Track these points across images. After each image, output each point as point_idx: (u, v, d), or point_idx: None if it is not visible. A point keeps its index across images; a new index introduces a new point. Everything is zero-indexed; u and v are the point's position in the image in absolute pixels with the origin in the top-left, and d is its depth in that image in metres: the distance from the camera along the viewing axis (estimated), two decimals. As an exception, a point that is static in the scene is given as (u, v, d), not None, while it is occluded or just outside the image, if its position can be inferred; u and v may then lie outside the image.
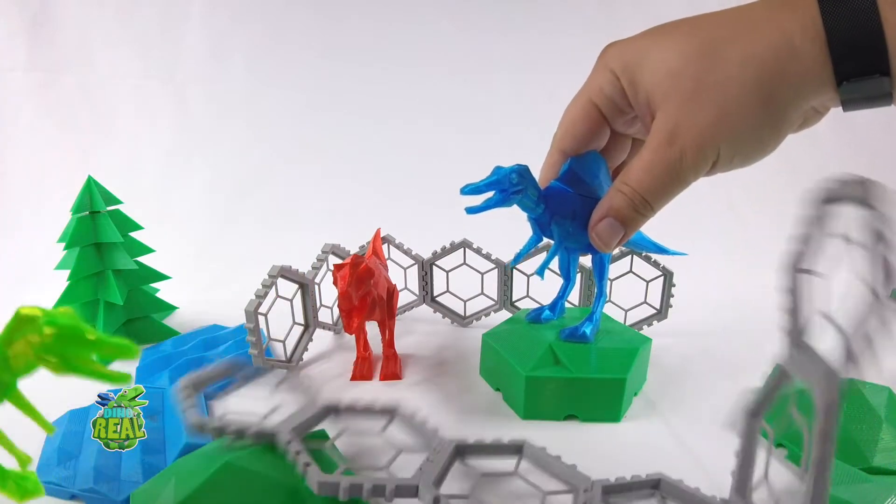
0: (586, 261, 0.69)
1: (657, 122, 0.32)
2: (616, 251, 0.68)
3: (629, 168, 0.34)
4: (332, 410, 0.47)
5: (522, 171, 0.43)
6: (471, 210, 0.43)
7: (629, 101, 0.35)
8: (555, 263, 0.70)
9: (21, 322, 0.30)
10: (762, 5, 0.30)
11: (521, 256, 0.54)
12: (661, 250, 0.63)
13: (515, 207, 0.47)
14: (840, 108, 0.31)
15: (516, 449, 0.46)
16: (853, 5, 0.27)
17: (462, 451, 0.46)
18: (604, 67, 0.35)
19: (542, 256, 0.71)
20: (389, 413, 0.48)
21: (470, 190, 0.42)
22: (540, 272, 0.52)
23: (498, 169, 0.43)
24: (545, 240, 0.51)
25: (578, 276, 0.70)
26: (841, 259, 0.27)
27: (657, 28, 0.34)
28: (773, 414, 0.35)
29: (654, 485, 0.40)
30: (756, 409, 0.34)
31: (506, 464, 0.45)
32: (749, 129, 0.31)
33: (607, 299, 0.56)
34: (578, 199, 0.44)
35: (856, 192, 0.25)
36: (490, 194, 0.43)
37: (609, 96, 0.36)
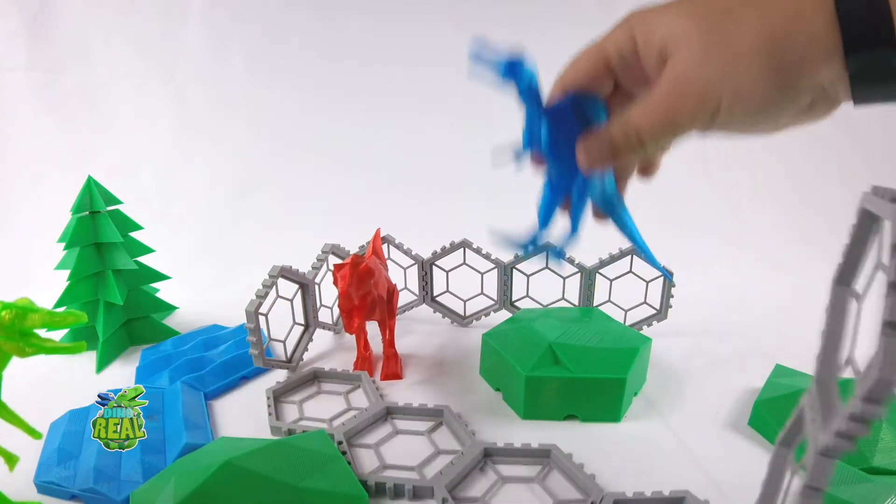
0: (586, 260, 0.69)
1: (667, 68, 0.34)
2: (605, 255, 0.68)
3: (633, 106, 0.36)
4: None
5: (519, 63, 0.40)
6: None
7: (639, 59, 0.36)
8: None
9: None
10: None
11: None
12: (651, 260, 0.60)
13: (519, 207, 0.46)
14: (851, 103, 0.31)
15: (544, 454, 0.47)
16: None
17: (490, 454, 0.47)
18: (623, 26, 0.37)
19: (541, 259, 0.71)
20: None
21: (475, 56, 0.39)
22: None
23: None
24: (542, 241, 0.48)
25: (578, 276, 0.70)
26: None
27: None
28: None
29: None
30: (787, 439, 0.33)
31: (530, 469, 0.46)
32: (754, 84, 0.31)
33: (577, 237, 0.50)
34: (569, 123, 0.43)
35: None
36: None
37: (620, 48, 0.37)
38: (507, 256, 0.71)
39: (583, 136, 0.41)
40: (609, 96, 0.42)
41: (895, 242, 0.22)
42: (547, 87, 0.44)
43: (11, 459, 0.41)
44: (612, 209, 0.51)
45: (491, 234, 0.50)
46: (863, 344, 0.23)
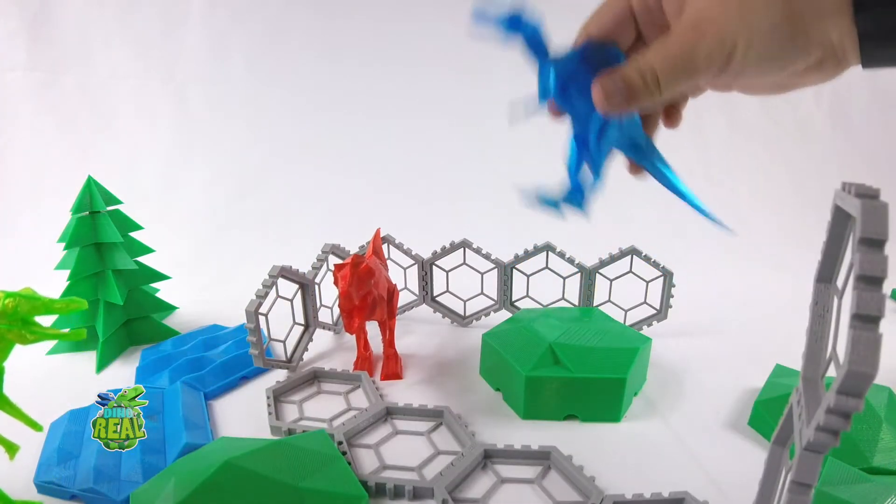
0: (586, 260, 0.69)
1: (685, 13, 0.34)
2: (605, 255, 0.68)
3: (649, 47, 0.36)
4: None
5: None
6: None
7: (661, 4, 0.37)
8: (555, 262, 0.70)
9: None
10: None
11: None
12: (696, 206, 0.54)
13: (520, 206, 0.46)
14: (859, 62, 0.32)
15: (544, 456, 0.47)
16: None
17: (490, 455, 0.47)
18: None
19: (541, 258, 0.71)
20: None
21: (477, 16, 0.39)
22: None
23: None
24: (545, 240, 0.48)
25: (578, 276, 0.70)
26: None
27: None
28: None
29: None
30: (781, 437, 0.33)
31: (530, 470, 0.46)
32: (770, 29, 0.32)
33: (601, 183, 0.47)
34: (585, 67, 0.43)
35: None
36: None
37: None
38: (507, 256, 0.71)
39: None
40: (630, 47, 0.42)
41: (862, 237, 0.23)
42: (535, 87, 0.43)
43: (12, 448, 0.41)
44: (643, 156, 0.48)
45: (520, 193, 0.49)
46: (844, 339, 0.23)
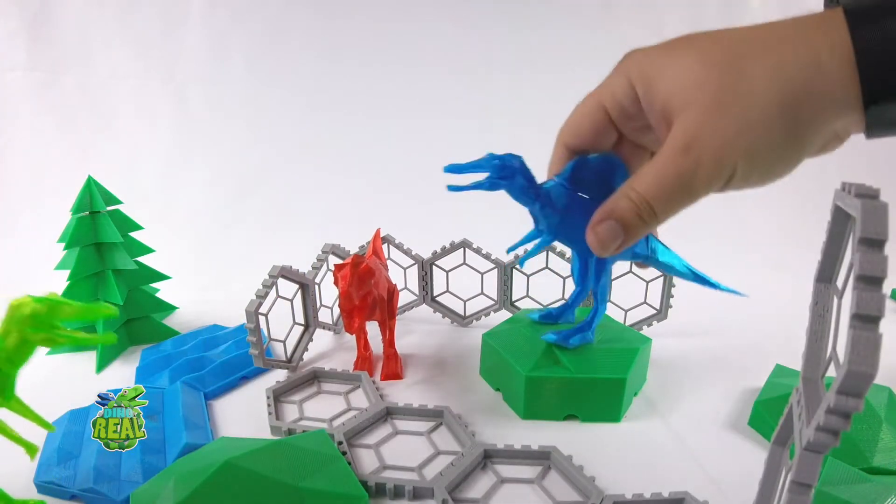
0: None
1: (674, 130, 0.31)
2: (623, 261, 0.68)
3: (639, 173, 0.33)
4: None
5: (513, 159, 0.42)
6: (453, 188, 0.42)
7: (641, 109, 0.34)
8: (555, 262, 0.70)
9: (13, 310, 0.36)
10: (790, 23, 0.30)
11: (518, 246, 0.51)
12: (708, 283, 0.57)
13: (520, 206, 0.47)
14: (863, 134, 0.30)
15: (544, 456, 0.47)
16: (885, 27, 0.26)
17: (490, 455, 0.47)
18: (620, 72, 0.34)
19: (541, 258, 0.71)
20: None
21: (453, 168, 0.41)
22: (521, 262, 0.51)
23: (489, 154, 0.43)
24: (554, 242, 0.50)
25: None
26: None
27: (681, 38, 0.32)
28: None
29: None
30: (781, 437, 0.33)
31: (529, 470, 0.46)
32: (770, 146, 0.30)
33: (605, 311, 0.54)
34: (576, 199, 0.43)
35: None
36: (477, 177, 0.43)
37: (620, 101, 0.35)
38: (507, 256, 0.71)
39: (586, 207, 0.40)
40: (614, 147, 0.40)
41: (862, 237, 0.23)
42: (535, 87, 0.43)
43: (32, 449, 0.40)
44: (648, 261, 0.52)
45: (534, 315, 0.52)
46: (844, 339, 0.23)
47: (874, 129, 0.29)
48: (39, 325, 0.36)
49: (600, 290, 0.52)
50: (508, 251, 0.52)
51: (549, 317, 0.60)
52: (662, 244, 0.53)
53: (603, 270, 0.52)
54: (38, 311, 0.36)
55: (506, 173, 0.42)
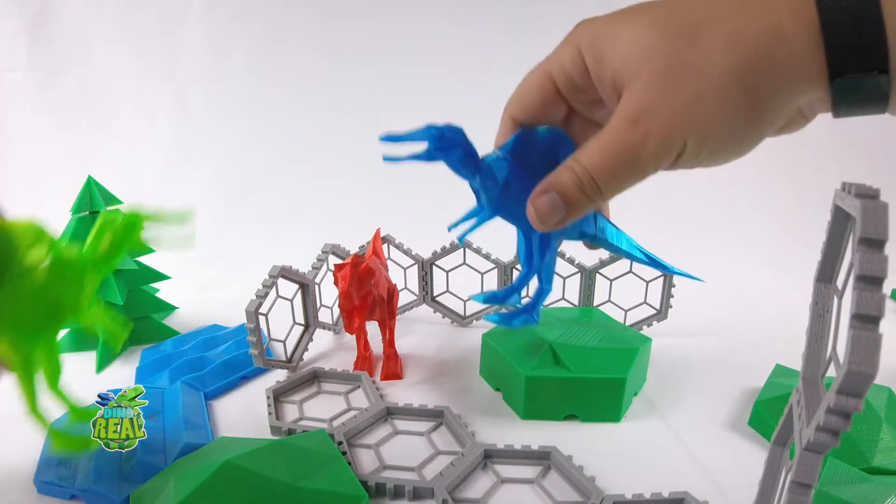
0: (587, 260, 0.69)
1: (623, 101, 0.29)
2: (605, 255, 0.68)
3: (585, 146, 0.31)
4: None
5: (452, 130, 0.39)
6: (388, 158, 0.39)
7: (591, 81, 0.32)
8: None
9: (104, 221, 0.39)
10: None
11: (458, 224, 0.48)
12: (662, 266, 0.58)
13: None
14: (829, 113, 0.28)
15: (544, 456, 0.47)
16: None
17: (490, 455, 0.47)
18: (570, 42, 0.32)
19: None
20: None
21: (389, 138, 0.39)
22: (460, 239, 0.49)
23: (429, 125, 0.39)
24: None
25: (578, 276, 0.70)
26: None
27: (635, 6, 0.30)
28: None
29: None
30: (781, 437, 0.33)
31: (529, 470, 0.46)
32: (725, 119, 0.27)
33: (550, 290, 0.50)
34: (519, 171, 0.40)
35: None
36: (416, 148, 0.39)
37: (568, 73, 0.32)
38: (506, 256, 0.71)
39: (527, 180, 0.37)
40: (564, 121, 0.38)
41: (862, 237, 0.23)
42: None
43: (79, 412, 0.40)
44: (596, 241, 0.49)
45: (472, 297, 0.50)
46: (844, 339, 0.23)
47: (841, 105, 0.27)
48: (129, 232, 0.39)
49: (545, 269, 0.48)
50: (450, 229, 0.49)
51: (495, 298, 0.56)
52: (613, 225, 0.50)
53: (547, 247, 0.47)
54: (131, 221, 0.39)
55: (443, 144, 0.39)
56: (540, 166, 0.39)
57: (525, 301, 0.48)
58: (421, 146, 0.40)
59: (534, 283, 0.49)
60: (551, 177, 0.33)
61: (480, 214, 0.45)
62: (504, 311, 0.50)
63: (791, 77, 0.26)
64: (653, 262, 0.53)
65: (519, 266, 0.71)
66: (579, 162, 0.31)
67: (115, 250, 0.39)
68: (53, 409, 0.40)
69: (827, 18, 0.25)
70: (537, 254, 0.47)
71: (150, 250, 0.71)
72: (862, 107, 0.27)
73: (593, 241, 0.48)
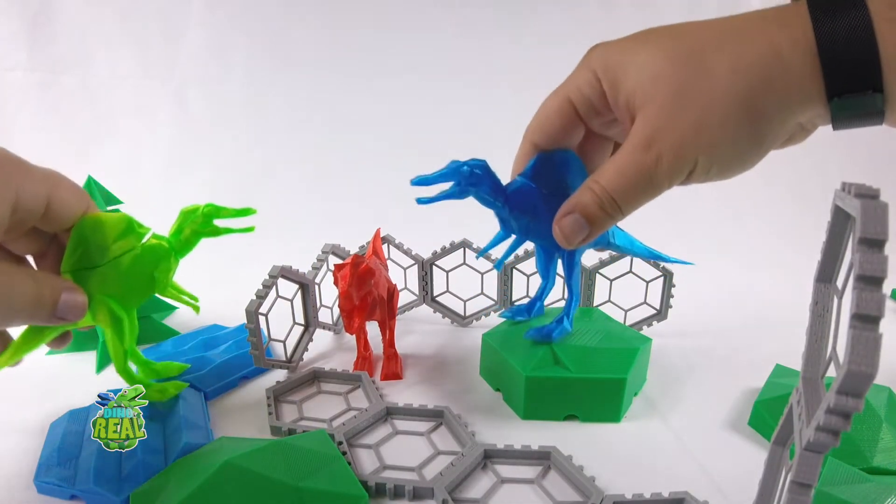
0: (587, 260, 0.69)
1: (636, 124, 0.31)
2: (605, 255, 0.68)
3: (603, 167, 0.33)
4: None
5: (478, 166, 0.42)
6: (421, 200, 0.43)
7: (608, 103, 0.34)
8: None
9: (185, 213, 0.47)
10: (753, 17, 0.29)
11: (486, 250, 0.54)
12: (659, 257, 0.62)
13: None
14: (829, 126, 0.30)
15: (544, 456, 0.47)
16: (847, 19, 0.26)
17: (490, 455, 0.47)
18: (586, 67, 0.34)
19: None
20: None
21: (420, 181, 0.43)
22: (497, 265, 0.53)
23: (453, 162, 0.43)
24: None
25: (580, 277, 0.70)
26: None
27: (644, 32, 0.33)
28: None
29: None
30: (781, 437, 0.33)
31: (530, 470, 0.46)
32: (731, 140, 0.30)
33: (579, 301, 0.54)
34: (542, 196, 0.43)
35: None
36: (443, 186, 0.43)
37: (587, 96, 0.35)
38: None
39: (551, 204, 0.40)
40: (582, 141, 0.40)
41: (862, 237, 0.23)
42: (533, 91, 0.43)
43: (195, 304, 0.52)
44: (611, 247, 0.55)
45: (501, 312, 0.53)
46: (844, 339, 0.23)
47: (839, 121, 0.29)
48: (207, 222, 0.46)
49: (574, 283, 0.53)
50: (478, 256, 0.54)
51: (521, 312, 0.60)
52: (618, 227, 0.55)
53: (574, 263, 0.52)
54: (209, 212, 0.46)
55: (473, 180, 0.43)
56: (557, 186, 0.42)
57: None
58: (448, 185, 0.43)
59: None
60: (573, 198, 0.35)
61: (515, 240, 0.48)
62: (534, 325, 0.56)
63: (791, 99, 0.28)
64: (653, 255, 0.58)
65: (518, 266, 0.72)
66: (599, 183, 0.33)
67: (194, 237, 0.47)
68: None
69: (823, 44, 0.27)
70: (566, 270, 0.52)
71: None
72: (859, 121, 0.29)
73: (607, 246, 0.54)
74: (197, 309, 0.52)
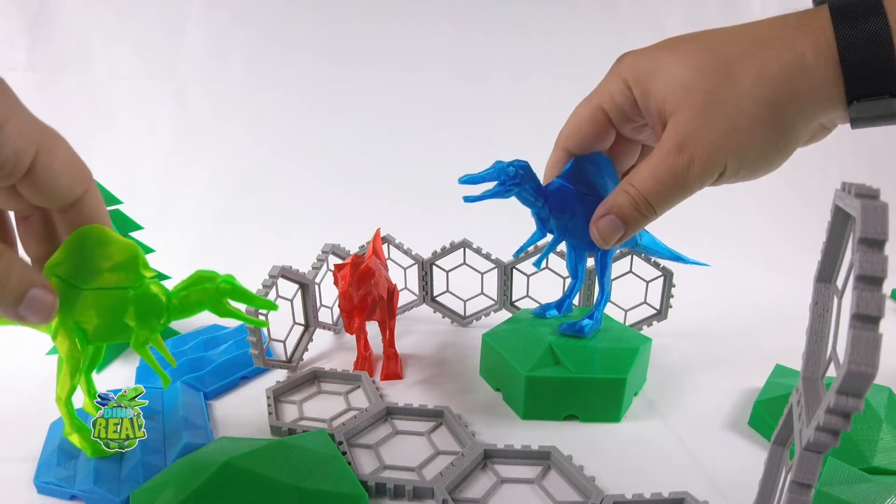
0: (587, 260, 0.69)
1: (668, 130, 0.33)
2: (617, 251, 0.68)
3: (637, 170, 0.35)
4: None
5: (521, 166, 0.45)
6: (468, 199, 0.46)
7: (639, 110, 0.36)
8: (556, 262, 0.70)
9: (200, 278, 0.41)
10: (776, 23, 0.31)
11: (523, 250, 0.55)
12: (679, 258, 0.63)
13: (518, 206, 0.48)
14: (848, 124, 0.32)
15: (544, 456, 0.47)
16: (868, 28, 0.28)
17: (490, 455, 0.47)
18: (616, 76, 0.36)
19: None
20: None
21: (467, 179, 0.45)
22: (537, 263, 0.54)
23: (498, 162, 0.45)
24: (549, 236, 0.52)
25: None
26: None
27: (672, 40, 0.34)
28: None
29: None
30: (781, 437, 0.33)
31: (530, 470, 0.46)
32: (758, 144, 0.32)
33: (609, 298, 0.57)
34: (579, 197, 0.45)
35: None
36: (488, 186, 0.46)
37: (619, 104, 0.37)
38: (507, 256, 0.71)
39: (587, 205, 0.42)
40: (612, 144, 0.43)
41: (862, 237, 0.23)
42: (534, 89, 0.45)
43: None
44: (639, 248, 0.58)
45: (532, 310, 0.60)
46: (844, 339, 0.23)
47: (858, 122, 0.31)
48: (218, 297, 0.40)
49: (605, 281, 0.56)
50: (515, 255, 0.55)
51: (552, 313, 0.61)
52: (644, 229, 0.58)
53: (607, 263, 0.55)
54: (224, 290, 0.40)
55: (517, 180, 0.45)
56: (591, 187, 0.45)
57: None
58: (492, 184, 0.45)
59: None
60: (609, 200, 0.37)
61: (553, 238, 0.50)
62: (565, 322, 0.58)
63: (814, 103, 0.30)
64: (674, 256, 0.62)
65: (518, 266, 0.72)
66: (633, 186, 0.35)
67: (198, 306, 0.41)
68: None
69: (845, 52, 0.29)
70: (598, 269, 0.55)
71: (150, 250, 0.72)
72: (877, 122, 0.30)
73: (635, 248, 0.58)
74: (166, 383, 0.43)
